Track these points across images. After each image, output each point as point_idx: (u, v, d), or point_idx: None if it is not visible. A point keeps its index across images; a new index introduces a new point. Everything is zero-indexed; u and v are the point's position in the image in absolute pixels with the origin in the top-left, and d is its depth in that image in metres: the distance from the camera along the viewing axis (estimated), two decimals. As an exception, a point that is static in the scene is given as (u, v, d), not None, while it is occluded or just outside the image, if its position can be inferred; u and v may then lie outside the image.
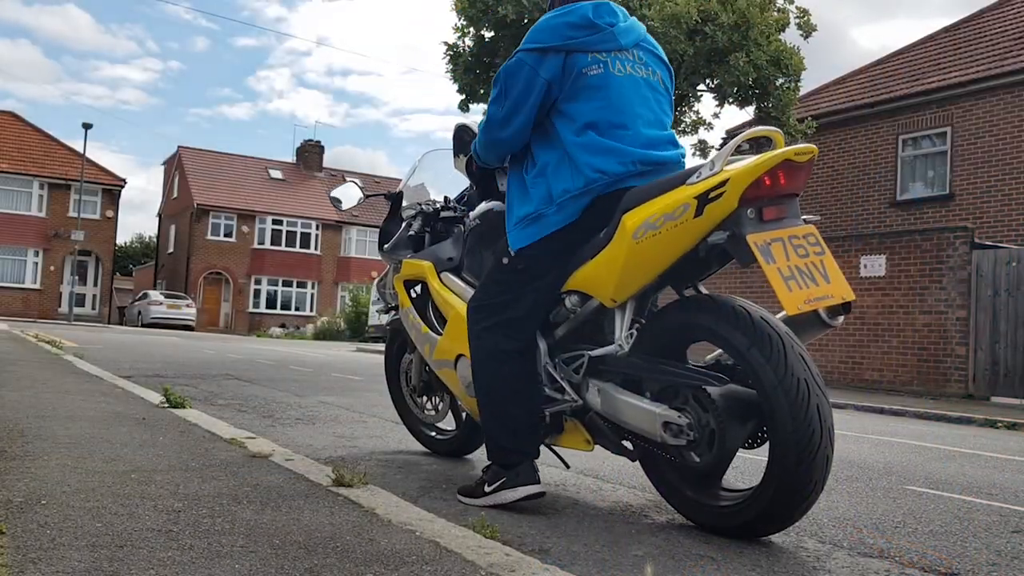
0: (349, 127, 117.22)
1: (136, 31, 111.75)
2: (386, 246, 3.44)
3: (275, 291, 38.55)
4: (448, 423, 3.62)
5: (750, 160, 2.19)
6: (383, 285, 3.63)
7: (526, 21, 13.92)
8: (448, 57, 15.30)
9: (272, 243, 38.27)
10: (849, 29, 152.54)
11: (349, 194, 3.56)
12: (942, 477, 3.92)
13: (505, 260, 2.63)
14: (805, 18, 14.86)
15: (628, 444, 2.56)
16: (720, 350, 2.40)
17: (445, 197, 3.35)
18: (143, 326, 29.66)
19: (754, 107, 14.98)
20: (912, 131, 15.29)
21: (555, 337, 2.66)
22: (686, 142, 16.29)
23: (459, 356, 2.86)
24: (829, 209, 16.54)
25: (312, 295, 39.16)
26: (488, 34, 14.85)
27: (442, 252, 3.14)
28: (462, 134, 3.02)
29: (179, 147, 40.64)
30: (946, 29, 17.24)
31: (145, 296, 33.06)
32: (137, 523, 1.88)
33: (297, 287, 38.97)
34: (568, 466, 3.05)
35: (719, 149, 17.80)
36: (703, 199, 2.19)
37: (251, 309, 37.83)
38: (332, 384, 7.27)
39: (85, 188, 32.50)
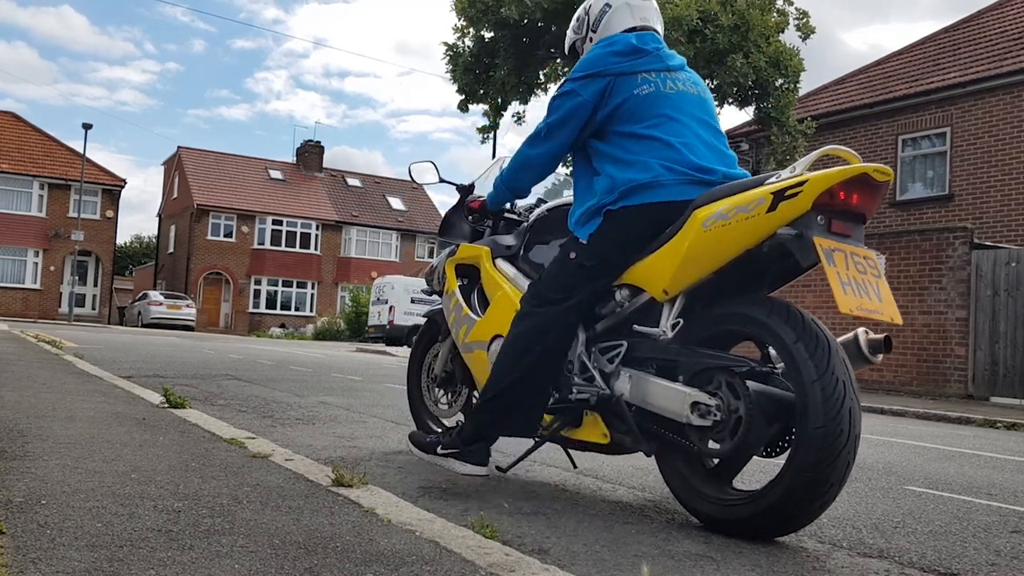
0: (347, 128, 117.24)
1: (134, 33, 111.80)
2: (446, 232, 3.57)
3: (275, 291, 38.56)
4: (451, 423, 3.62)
5: (833, 169, 2.26)
6: (431, 272, 3.65)
7: (526, 22, 13.93)
8: (448, 58, 15.31)
9: (272, 243, 38.28)
10: (840, 32, 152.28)
11: (426, 171, 3.67)
12: (942, 477, 3.92)
13: (572, 255, 2.70)
14: (804, 20, 14.89)
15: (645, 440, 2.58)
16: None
17: (513, 203, 3.40)
18: (143, 326, 29.67)
19: (753, 108, 14.99)
20: (912, 131, 15.29)
21: (595, 330, 2.73)
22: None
23: (495, 337, 2.95)
24: (829, 209, 16.52)
25: (312, 295, 39.18)
26: (488, 34, 14.85)
27: (502, 241, 3.22)
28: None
29: (179, 147, 40.66)
30: (945, 29, 17.25)
31: (145, 296, 33.06)
32: (137, 523, 1.88)
33: (297, 287, 38.98)
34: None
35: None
36: (779, 196, 2.27)
37: (251, 309, 37.84)
38: (332, 384, 7.28)
39: (85, 188, 32.51)
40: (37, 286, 32.85)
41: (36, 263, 33.01)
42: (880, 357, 2.61)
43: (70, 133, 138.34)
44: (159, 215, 43.42)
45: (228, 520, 1.96)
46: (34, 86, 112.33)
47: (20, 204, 32.73)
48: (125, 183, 35.31)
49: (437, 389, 3.62)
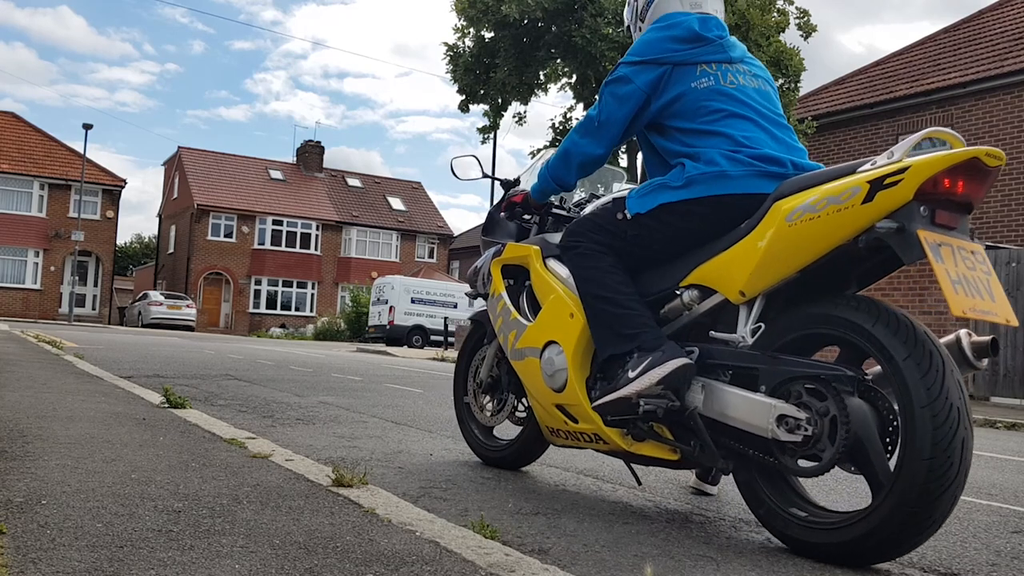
0: (346, 128, 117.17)
1: (132, 34, 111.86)
2: (490, 231, 3.42)
3: (275, 291, 38.55)
4: (503, 431, 3.48)
5: (936, 152, 2.03)
6: (475, 272, 3.45)
7: (526, 22, 13.93)
8: (448, 58, 15.31)
9: (272, 243, 38.28)
10: (835, 33, 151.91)
11: (469, 166, 3.52)
12: (942, 477, 3.91)
13: (619, 216, 2.56)
14: (805, 19, 14.89)
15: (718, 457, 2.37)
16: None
17: (562, 198, 3.24)
18: (143, 327, 29.67)
19: (754, 107, 15.02)
20: (912, 131, 15.28)
21: (718, 333, 2.48)
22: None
23: (549, 343, 2.75)
24: (829, 209, 16.52)
25: (312, 295, 39.18)
26: (488, 35, 14.86)
27: (552, 239, 2.99)
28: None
29: (179, 147, 40.66)
30: (945, 30, 17.26)
31: (145, 297, 33.06)
32: (137, 523, 1.88)
33: (297, 287, 38.98)
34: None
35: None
36: (876, 185, 2.03)
37: (251, 309, 37.84)
38: (332, 384, 7.28)
39: (85, 188, 32.51)
40: (37, 286, 32.85)
41: (36, 263, 33.01)
42: (985, 362, 2.36)
43: (69, 134, 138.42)
44: (159, 215, 43.41)
45: (228, 520, 1.95)
46: (33, 87, 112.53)
47: (20, 204, 32.73)
48: (125, 183, 35.32)
49: (483, 395, 3.42)
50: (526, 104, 15.93)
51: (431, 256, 41.78)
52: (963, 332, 2.41)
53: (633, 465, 2.79)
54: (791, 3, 14.94)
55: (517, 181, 3.42)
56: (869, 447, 2.09)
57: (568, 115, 15.76)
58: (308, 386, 6.88)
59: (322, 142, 45.19)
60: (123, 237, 61.93)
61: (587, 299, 2.58)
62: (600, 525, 2.43)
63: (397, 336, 24.99)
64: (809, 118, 15.45)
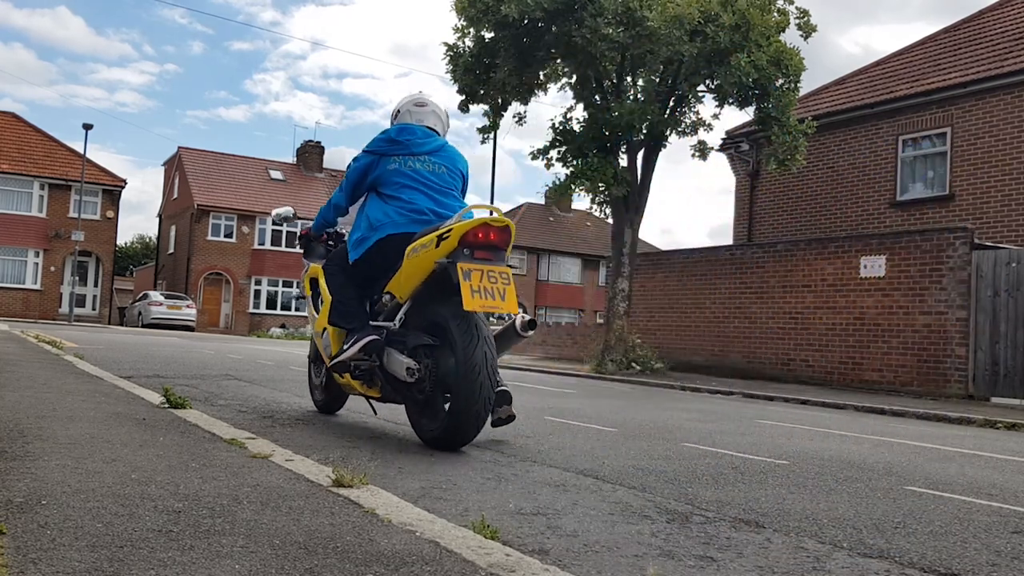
0: (345, 129, 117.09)
1: (132, 35, 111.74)
2: (306, 254, 4.96)
3: (275, 291, 38.54)
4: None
5: (469, 220, 3.59)
6: (302, 282, 5.07)
7: (526, 21, 13.93)
8: (448, 58, 15.29)
9: (272, 244, 38.26)
10: (832, 34, 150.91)
11: (286, 215, 5.10)
12: (942, 477, 3.92)
13: (349, 256, 4.09)
14: (805, 19, 14.86)
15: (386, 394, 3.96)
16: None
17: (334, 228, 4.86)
18: (143, 327, 29.66)
19: (754, 108, 14.97)
20: (912, 131, 15.28)
21: (375, 323, 3.96)
22: (685, 143, 16.18)
23: (324, 328, 4.26)
24: (829, 209, 16.52)
25: (312, 296, 39.12)
26: (488, 35, 14.84)
27: None
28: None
29: (179, 148, 40.63)
30: (946, 30, 17.25)
31: (145, 297, 33.04)
32: (137, 523, 1.88)
33: (297, 287, 38.93)
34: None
35: (718, 150, 17.83)
36: (441, 237, 3.58)
37: (251, 310, 37.82)
38: (332, 384, 7.26)
39: (85, 188, 32.50)
40: (37, 286, 32.84)
41: (36, 263, 32.99)
42: (531, 333, 4.08)
43: (69, 134, 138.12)
44: (159, 215, 43.39)
45: (228, 520, 1.96)
46: (32, 87, 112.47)
47: (20, 204, 32.71)
48: (125, 183, 35.27)
49: (311, 364, 5.11)
50: (526, 104, 15.89)
51: (431, 256, 41.74)
52: (518, 316, 3.97)
53: (371, 401, 4.30)
54: (791, 3, 14.92)
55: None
56: (452, 383, 3.56)
57: (568, 115, 15.71)
58: (308, 387, 6.86)
59: (322, 142, 45.22)
60: (123, 237, 61.96)
61: (331, 293, 4.12)
62: (600, 525, 2.43)
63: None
64: (809, 118, 15.42)
